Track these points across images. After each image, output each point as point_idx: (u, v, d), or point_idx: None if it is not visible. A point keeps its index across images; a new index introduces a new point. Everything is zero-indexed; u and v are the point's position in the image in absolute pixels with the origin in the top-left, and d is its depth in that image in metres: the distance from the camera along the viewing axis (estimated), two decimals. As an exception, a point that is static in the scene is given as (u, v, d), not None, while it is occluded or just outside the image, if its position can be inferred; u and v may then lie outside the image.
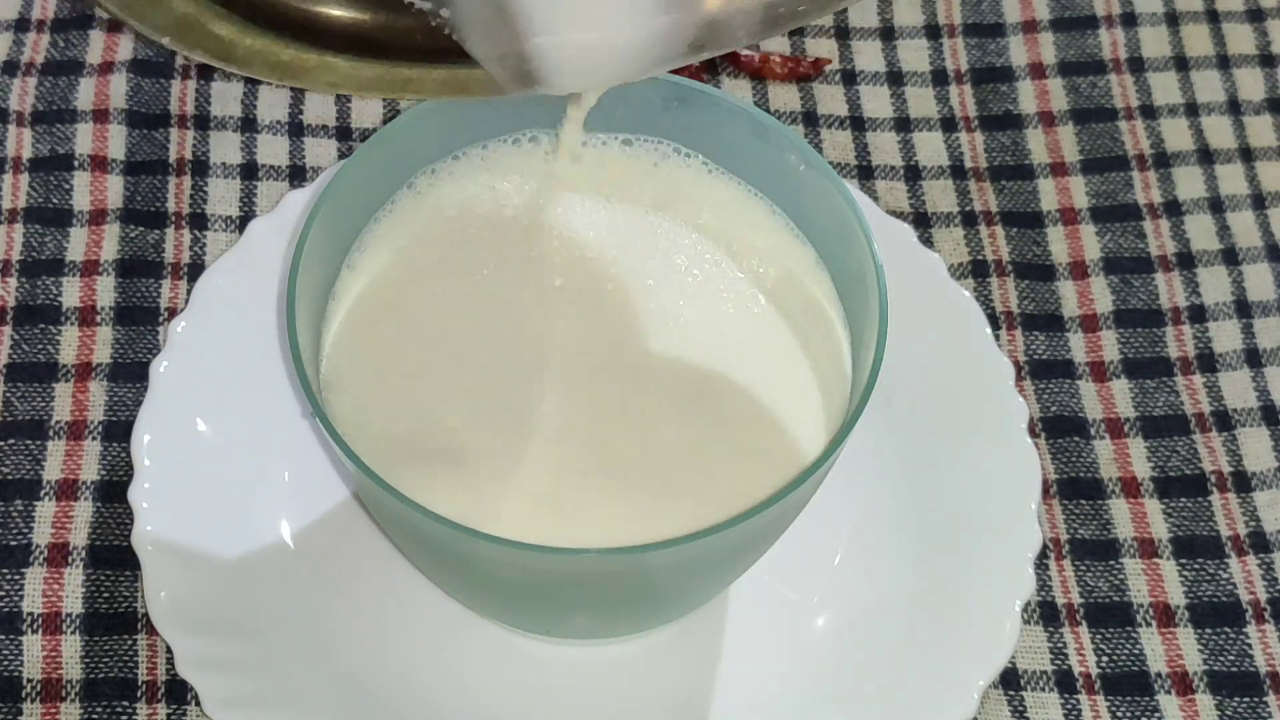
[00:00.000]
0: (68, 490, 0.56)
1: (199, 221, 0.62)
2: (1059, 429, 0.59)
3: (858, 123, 0.66)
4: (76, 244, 0.60)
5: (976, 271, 0.62)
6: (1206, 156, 0.65)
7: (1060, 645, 0.55)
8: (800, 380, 0.49)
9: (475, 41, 0.42)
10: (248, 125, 0.64)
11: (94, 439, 0.57)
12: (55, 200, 0.61)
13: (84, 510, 0.55)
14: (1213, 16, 0.68)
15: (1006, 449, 0.54)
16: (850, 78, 0.67)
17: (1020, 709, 0.54)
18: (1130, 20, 0.68)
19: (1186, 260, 0.63)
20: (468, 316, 0.50)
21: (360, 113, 0.65)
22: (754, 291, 0.50)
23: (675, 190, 0.52)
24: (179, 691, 0.52)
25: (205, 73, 0.65)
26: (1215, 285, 0.62)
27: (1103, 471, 0.58)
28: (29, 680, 0.53)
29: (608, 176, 0.52)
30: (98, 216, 0.61)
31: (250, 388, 0.54)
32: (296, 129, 0.64)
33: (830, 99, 0.66)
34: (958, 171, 0.64)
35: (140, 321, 0.59)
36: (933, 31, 0.68)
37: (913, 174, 0.64)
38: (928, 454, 0.55)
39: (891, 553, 0.54)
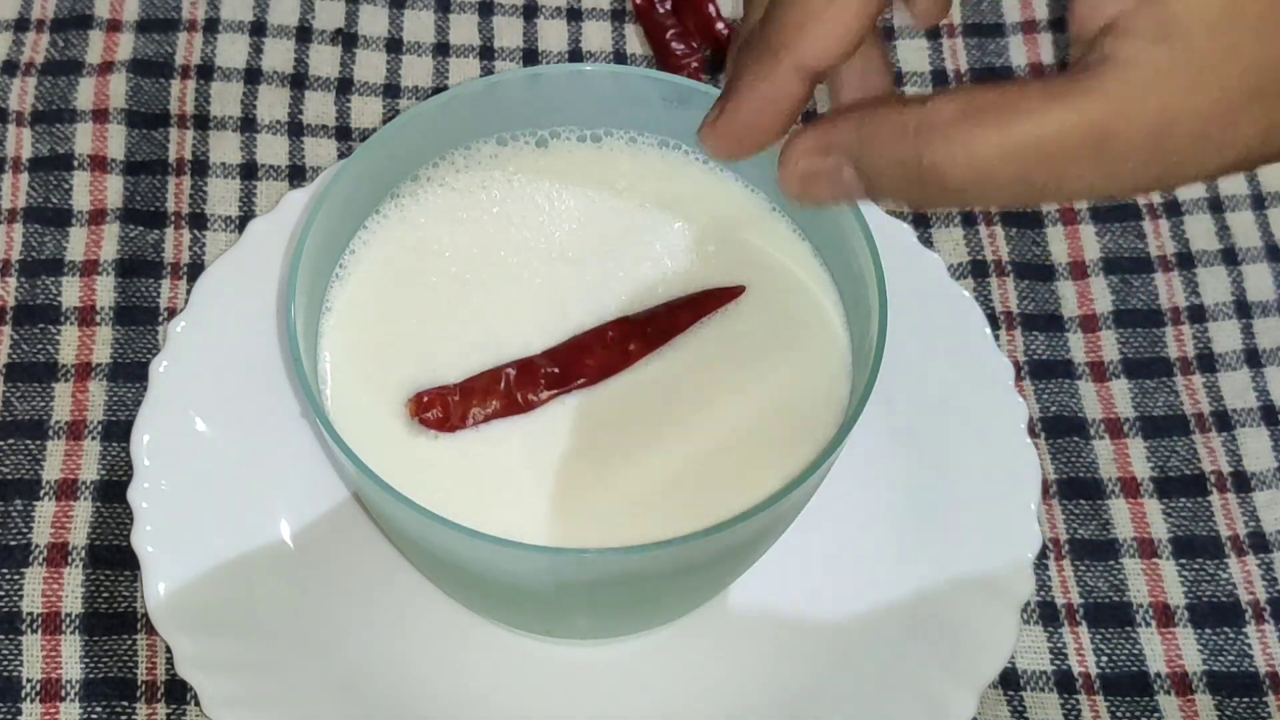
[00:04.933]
0: (67, 490, 0.56)
1: (198, 221, 0.62)
2: (1059, 429, 0.59)
3: (857, 123, 0.65)
4: (76, 244, 0.60)
5: (976, 271, 0.62)
6: (1206, 156, 0.65)
7: (1060, 645, 0.55)
8: (800, 380, 0.49)
9: None
10: (247, 125, 0.64)
11: (94, 439, 0.57)
12: (55, 200, 0.61)
13: (83, 510, 0.55)
14: (1212, 16, 0.68)
15: (1006, 449, 0.54)
16: (850, 78, 0.67)
17: (1020, 709, 0.54)
18: (1130, 20, 0.68)
19: (1186, 260, 0.63)
20: (467, 315, 0.50)
21: (360, 113, 0.65)
22: (754, 291, 0.50)
23: (676, 189, 0.52)
24: (178, 691, 0.52)
25: (205, 72, 0.65)
26: (1215, 285, 0.62)
27: (1102, 471, 0.58)
28: (29, 680, 0.53)
29: (608, 175, 0.52)
30: (97, 216, 0.61)
31: (250, 388, 0.54)
32: (296, 129, 0.64)
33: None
34: (957, 171, 0.64)
35: (140, 321, 0.59)
36: (933, 31, 0.68)
37: (912, 174, 0.64)
38: (928, 454, 0.55)
39: (892, 553, 0.54)
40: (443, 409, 0.47)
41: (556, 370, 0.48)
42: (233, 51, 0.65)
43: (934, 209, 0.40)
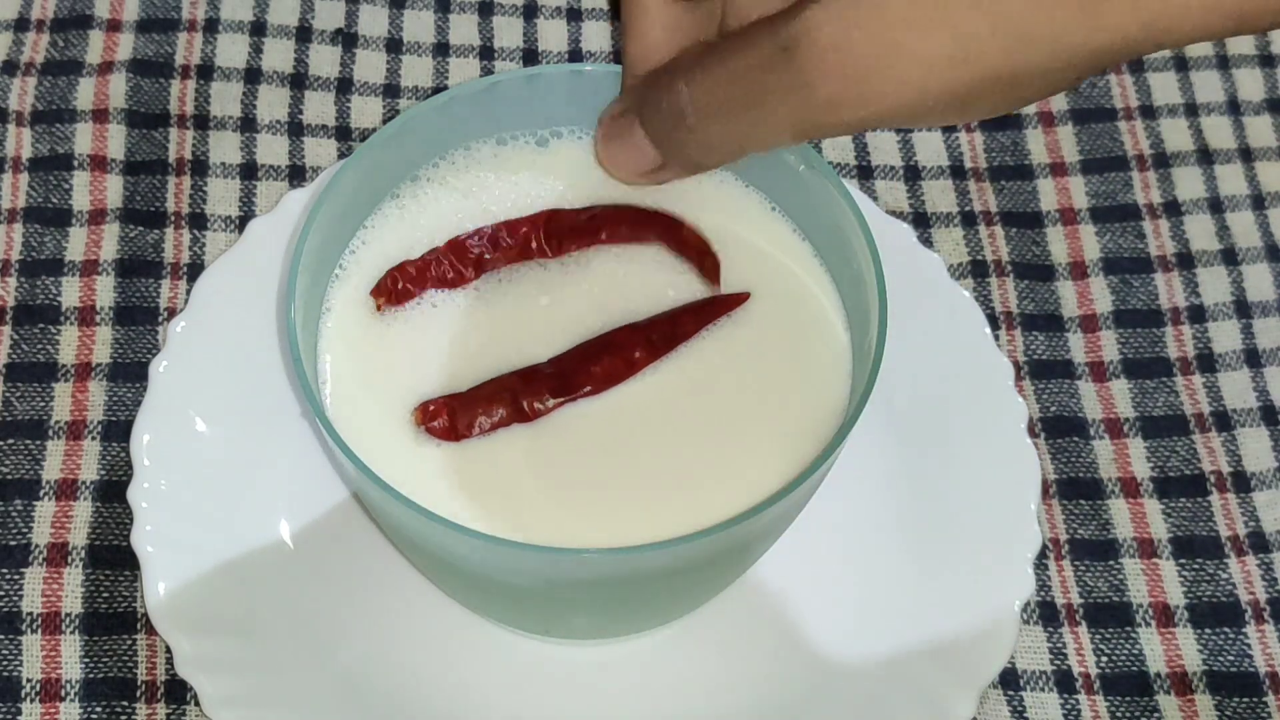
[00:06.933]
0: (67, 490, 0.56)
1: (198, 221, 0.62)
2: (1059, 429, 0.59)
3: (857, 123, 0.65)
4: (76, 244, 0.60)
5: (976, 271, 0.62)
6: (1206, 156, 0.65)
7: (1060, 645, 0.55)
8: (800, 380, 0.49)
9: None
10: (247, 125, 0.64)
11: (93, 439, 0.57)
12: (55, 200, 0.61)
13: (83, 510, 0.55)
14: (1212, 16, 0.68)
15: (1006, 449, 0.54)
16: (850, 78, 0.67)
17: (1020, 709, 0.54)
18: (1130, 20, 0.68)
19: (1186, 260, 0.63)
20: (467, 313, 0.50)
21: (360, 113, 0.65)
22: (755, 293, 0.50)
23: (676, 189, 0.52)
24: (178, 691, 0.52)
25: (205, 72, 0.65)
26: (1215, 285, 0.62)
27: (1102, 471, 0.58)
28: (29, 680, 0.53)
29: (608, 175, 0.52)
30: (97, 216, 0.61)
31: (250, 388, 0.54)
32: (296, 129, 0.64)
33: (830, 99, 0.66)
34: (957, 171, 0.64)
35: (140, 321, 0.59)
36: (932, 31, 0.68)
37: (912, 174, 0.64)
38: (928, 454, 0.55)
39: (891, 553, 0.54)
40: (448, 417, 0.47)
41: (562, 378, 0.48)
42: (233, 51, 0.65)
43: (694, 165, 0.46)
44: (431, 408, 0.47)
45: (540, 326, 0.49)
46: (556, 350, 0.48)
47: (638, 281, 0.50)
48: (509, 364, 0.48)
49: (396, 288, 0.49)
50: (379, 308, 0.49)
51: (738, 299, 0.50)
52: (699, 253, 0.50)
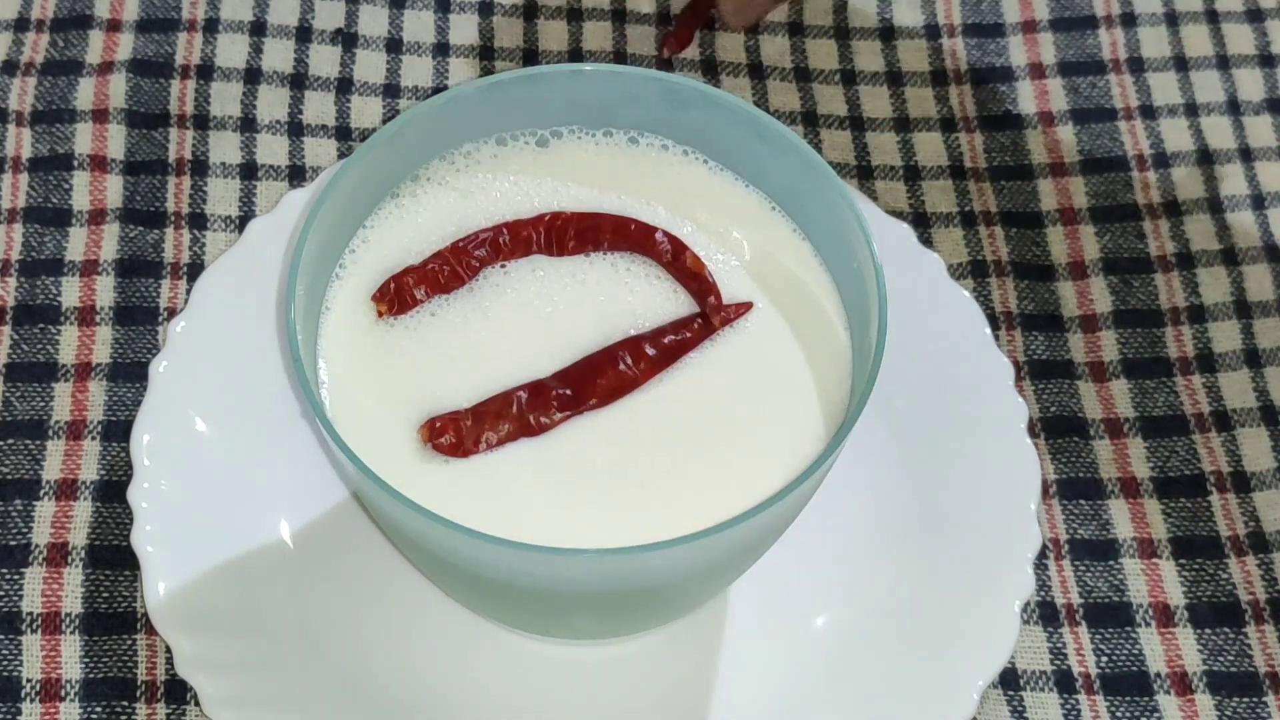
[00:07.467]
0: (67, 490, 0.56)
1: (198, 221, 0.62)
2: (1059, 429, 0.59)
3: (857, 123, 0.66)
4: (76, 244, 0.60)
5: (976, 271, 0.62)
6: (1206, 156, 0.65)
7: (1060, 645, 0.55)
8: (800, 380, 0.49)
9: None
10: (247, 125, 0.64)
11: (93, 439, 0.57)
12: (55, 200, 0.61)
13: (83, 510, 0.55)
14: (1212, 16, 0.68)
15: (1006, 449, 0.54)
16: (850, 78, 0.67)
17: (1020, 709, 0.54)
18: (1130, 20, 0.68)
19: (1186, 260, 0.63)
20: (468, 320, 0.50)
21: (360, 113, 0.65)
22: (754, 291, 0.50)
23: (677, 189, 0.52)
24: (178, 691, 0.52)
25: (205, 72, 0.65)
26: (1215, 285, 0.62)
27: (1102, 471, 0.58)
28: (29, 680, 0.53)
29: (609, 175, 0.52)
30: (97, 216, 0.61)
31: (250, 388, 0.54)
32: (296, 129, 0.64)
33: (830, 99, 0.66)
34: (957, 172, 0.64)
35: (139, 321, 0.59)
36: (932, 31, 0.68)
37: (912, 174, 0.64)
38: (928, 454, 0.55)
39: (891, 553, 0.54)
40: (455, 434, 0.47)
41: (568, 392, 0.47)
42: (233, 51, 0.65)
43: None
44: (439, 424, 0.47)
45: (542, 336, 0.49)
46: (559, 360, 0.48)
47: (639, 290, 0.50)
48: (511, 373, 0.48)
49: (398, 296, 0.49)
50: (380, 314, 0.49)
51: (740, 309, 0.50)
52: (699, 287, 0.50)
